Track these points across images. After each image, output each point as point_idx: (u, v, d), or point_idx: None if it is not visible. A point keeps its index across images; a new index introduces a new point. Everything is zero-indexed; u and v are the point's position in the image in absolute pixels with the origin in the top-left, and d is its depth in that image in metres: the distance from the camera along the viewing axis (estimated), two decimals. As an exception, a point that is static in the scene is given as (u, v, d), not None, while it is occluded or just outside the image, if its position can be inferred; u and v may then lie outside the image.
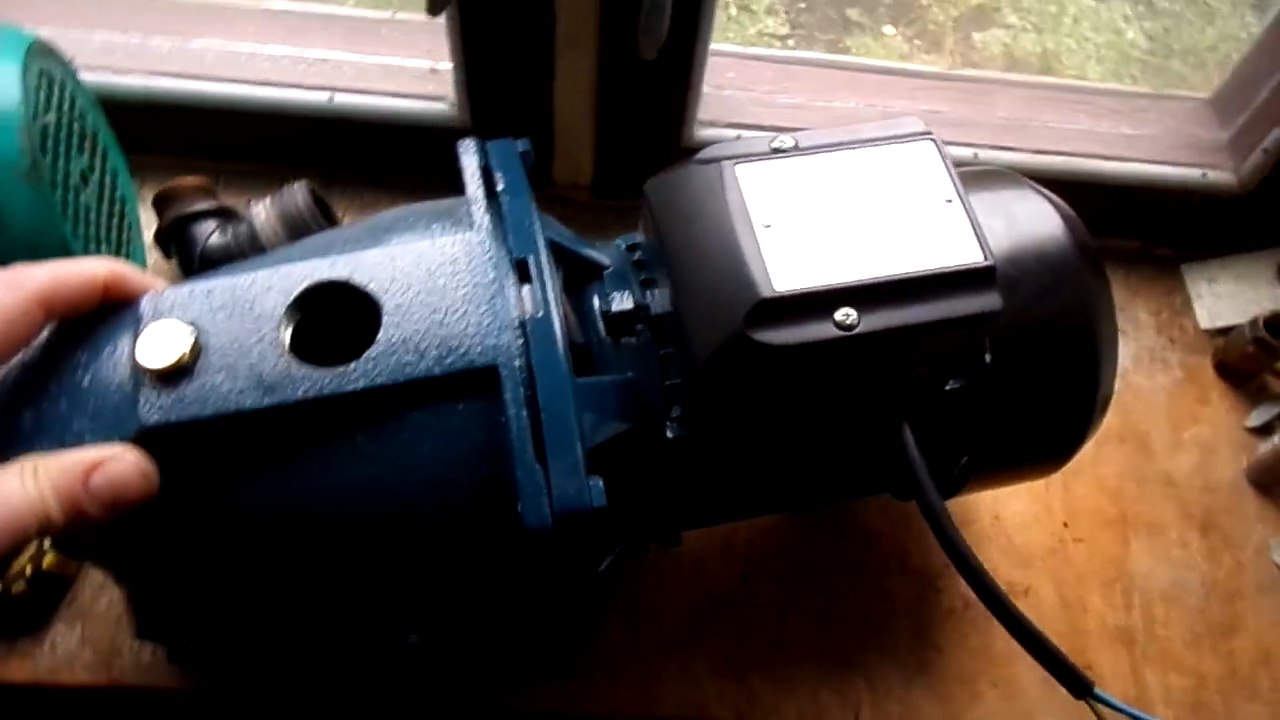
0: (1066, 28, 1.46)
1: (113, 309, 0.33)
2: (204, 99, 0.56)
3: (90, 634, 0.45)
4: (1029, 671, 0.49)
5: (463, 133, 0.56)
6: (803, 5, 1.44)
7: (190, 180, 0.53)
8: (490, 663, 0.44)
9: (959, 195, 0.35)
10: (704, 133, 0.56)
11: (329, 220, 0.53)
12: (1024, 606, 0.37)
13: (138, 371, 0.31)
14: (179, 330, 0.31)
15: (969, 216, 0.34)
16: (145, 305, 0.32)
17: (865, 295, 0.32)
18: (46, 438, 0.30)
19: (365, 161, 0.59)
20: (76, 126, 0.45)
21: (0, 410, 0.31)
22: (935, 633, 0.49)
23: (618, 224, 0.60)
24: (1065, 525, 0.53)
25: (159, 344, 0.31)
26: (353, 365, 0.31)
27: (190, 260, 0.52)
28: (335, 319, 0.34)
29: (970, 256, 0.33)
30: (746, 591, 0.50)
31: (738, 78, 0.58)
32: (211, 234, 0.51)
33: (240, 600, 0.35)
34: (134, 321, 0.32)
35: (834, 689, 0.47)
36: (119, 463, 0.29)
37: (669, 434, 0.36)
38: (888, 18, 1.45)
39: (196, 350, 0.31)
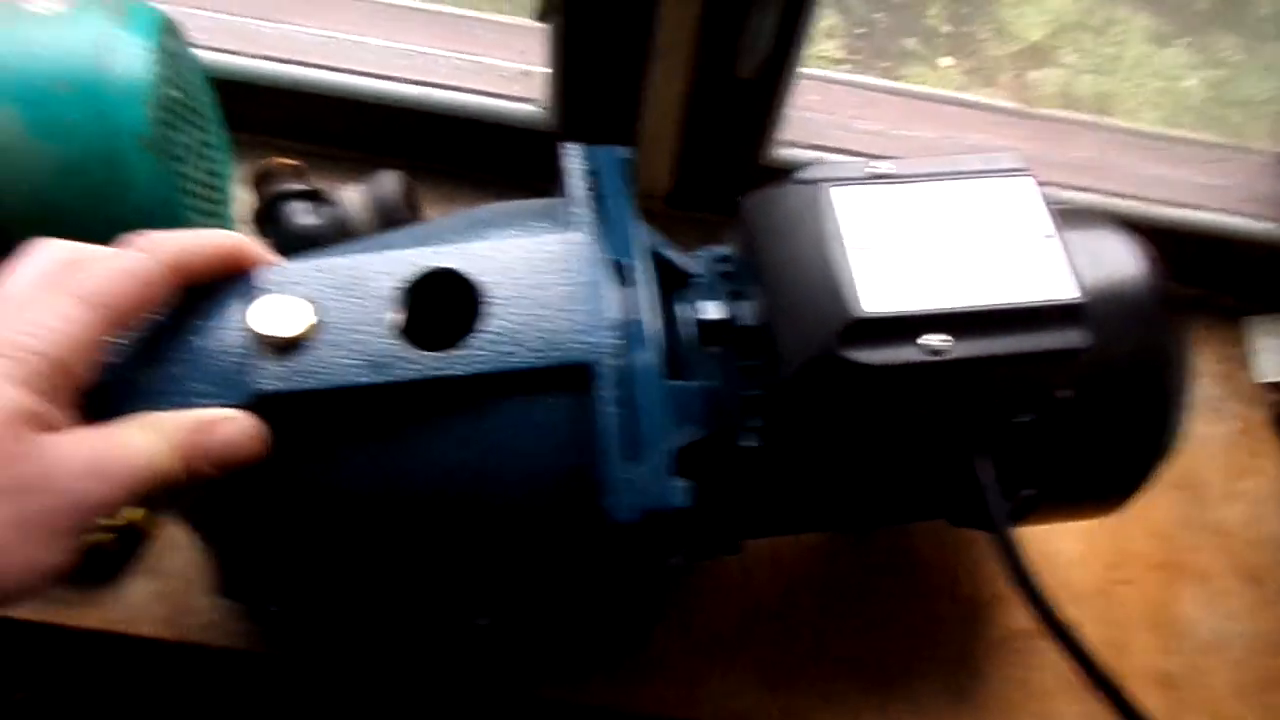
0: (1124, 71, 1.45)
1: (233, 279, 0.34)
2: (302, 83, 0.58)
3: (162, 590, 0.47)
4: (1069, 706, 0.49)
5: (549, 135, 0.58)
6: (861, 30, 1.45)
7: (286, 160, 0.55)
8: (549, 652, 0.45)
9: (1056, 231, 0.35)
10: (784, 152, 0.57)
11: (417, 210, 0.54)
12: (1071, 644, 0.37)
13: (254, 340, 0.32)
14: (296, 304, 0.33)
15: (1065, 253, 0.35)
16: (265, 279, 0.34)
17: (957, 322, 0.33)
18: (166, 397, 0.32)
19: (450, 156, 0.60)
20: (190, 102, 0.46)
21: (126, 367, 0.32)
22: (979, 661, 0.50)
23: (690, 235, 0.61)
24: (1114, 566, 0.54)
25: (276, 316, 0.32)
26: (456, 351, 0.33)
27: (281, 238, 0.53)
28: (435, 304, 0.35)
29: (1064, 292, 0.34)
30: (793, 604, 0.50)
31: (821, 101, 0.59)
32: (304, 214, 0.53)
33: (326, 568, 0.36)
34: (251, 292, 0.34)
35: (875, 708, 0.48)
36: (232, 423, 0.31)
37: (746, 444, 0.37)
38: (945, 49, 1.45)
39: (312, 325, 0.33)
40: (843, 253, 0.34)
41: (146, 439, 0.29)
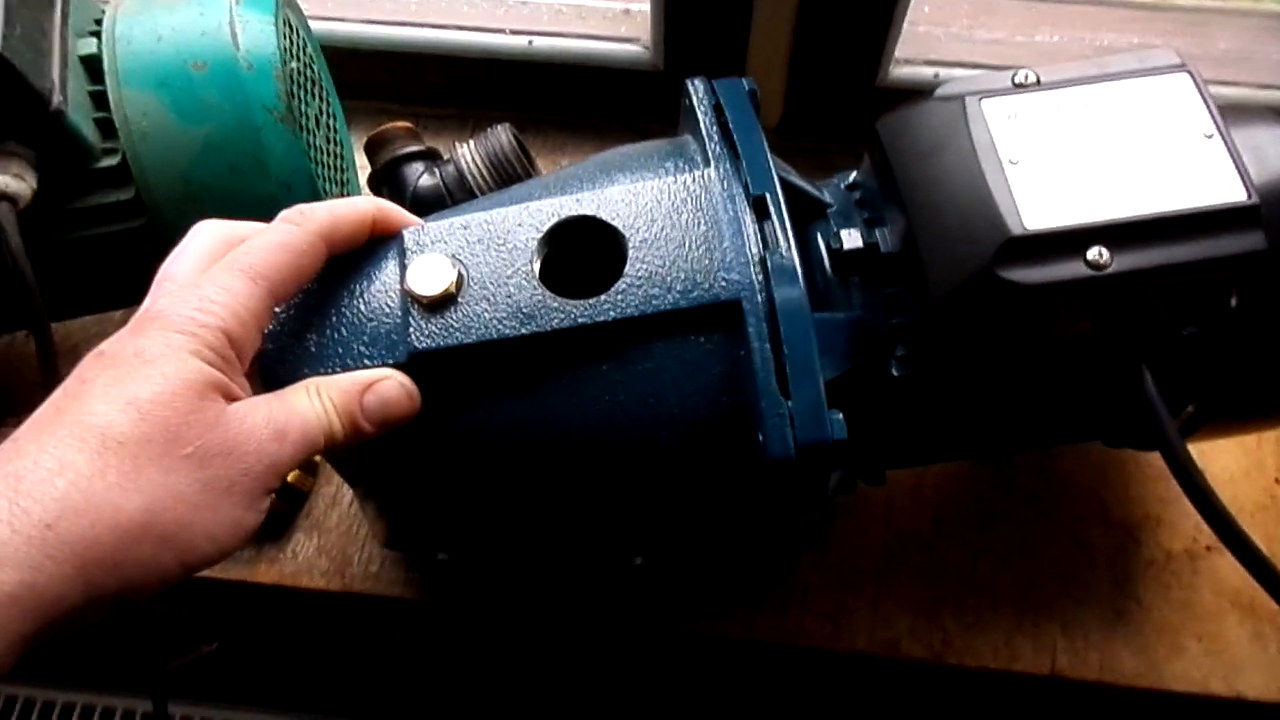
0: None
1: (377, 242, 0.35)
2: (405, 44, 0.59)
3: (324, 544, 0.49)
4: (1237, 627, 0.47)
5: (655, 75, 0.57)
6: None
7: (400, 124, 0.55)
8: (701, 589, 0.46)
9: (1219, 130, 0.33)
10: (901, 71, 0.55)
11: (530, 161, 0.54)
12: (1235, 563, 0.36)
13: (408, 300, 0.33)
14: (443, 262, 0.33)
15: (1230, 152, 0.33)
16: (409, 239, 0.35)
17: (1119, 234, 0.31)
18: (331, 360, 0.33)
19: (557, 104, 0.60)
20: (309, 72, 0.47)
21: (292, 334, 0.33)
22: (1135, 585, 0.49)
23: (803, 165, 0.59)
24: (1277, 481, 0.51)
25: (426, 275, 0.33)
26: (603, 297, 0.33)
27: (402, 200, 0.54)
28: (577, 252, 0.35)
29: (1233, 194, 0.32)
30: (938, 534, 0.50)
31: (934, 12, 0.56)
32: (421, 175, 0.54)
33: (484, 515, 0.37)
34: (398, 254, 0.35)
35: (1029, 635, 0.47)
36: (388, 383, 0.32)
37: (894, 372, 0.36)
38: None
39: (460, 281, 0.33)
40: (995, 168, 0.32)
41: (315, 403, 0.31)
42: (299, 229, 0.32)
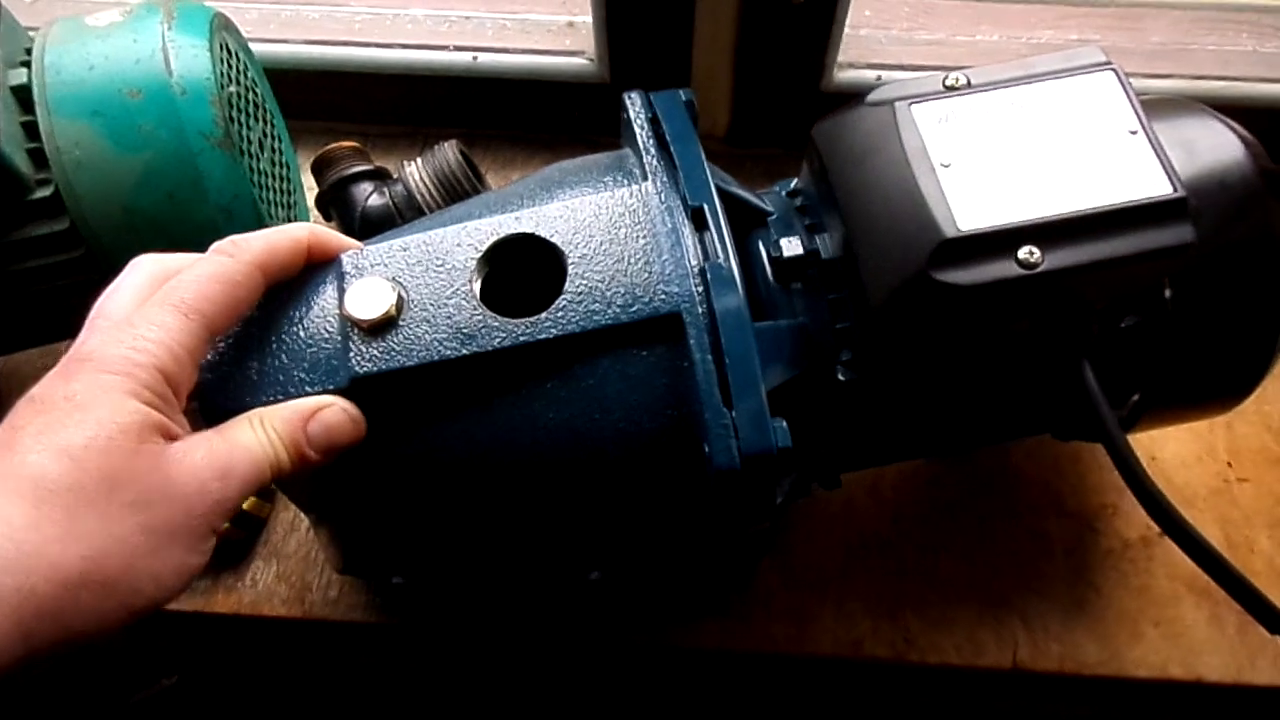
0: None
1: (316, 268, 0.35)
2: (349, 63, 0.58)
3: (284, 571, 0.49)
4: (1194, 611, 0.48)
5: (601, 88, 0.57)
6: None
7: (346, 144, 0.55)
8: (659, 600, 0.46)
9: (1143, 126, 0.34)
10: (844, 75, 0.55)
11: (478, 178, 0.54)
12: (1192, 548, 0.36)
13: (348, 324, 0.33)
14: (382, 285, 0.33)
15: (1154, 147, 0.33)
16: (348, 263, 0.34)
17: (1050, 232, 0.32)
18: (273, 388, 0.33)
19: (505, 119, 0.60)
20: (251, 95, 0.47)
21: (232, 363, 0.33)
22: (1093, 573, 0.49)
23: (754, 172, 0.60)
24: (1229, 465, 0.52)
25: (365, 299, 0.33)
26: (543, 315, 0.33)
27: (350, 221, 0.54)
28: (519, 271, 0.35)
29: (1159, 188, 0.32)
30: (897, 532, 0.50)
31: (874, 15, 0.57)
32: (370, 195, 0.54)
33: (437, 537, 0.37)
34: (337, 278, 0.34)
35: (991, 628, 0.48)
36: (331, 410, 0.32)
37: (840, 377, 0.36)
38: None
39: (400, 304, 0.33)
40: (927, 171, 0.32)
41: (259, 434, 0.31)
42: (233, 260, 0.32)
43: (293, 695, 0.58)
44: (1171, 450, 0.52)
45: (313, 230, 0.35)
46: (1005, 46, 0.56)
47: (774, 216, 0.39)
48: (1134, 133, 0.33)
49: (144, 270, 0.32)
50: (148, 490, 0.27)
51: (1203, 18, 0.57)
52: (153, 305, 0.30)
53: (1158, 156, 0.33)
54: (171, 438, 0.29)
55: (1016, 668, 0.47)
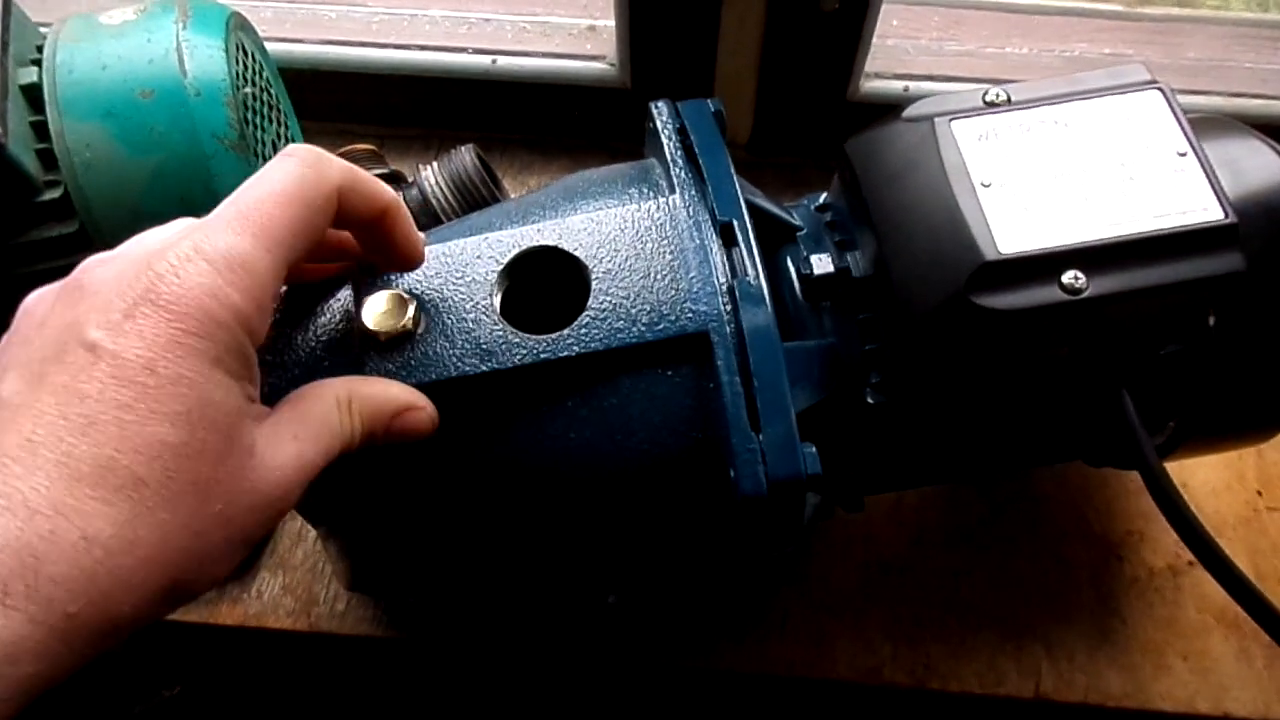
0: None
1: (334, 281, 0.34)
2: (367, 64, 0.57)
3: (290, 583, 0.48)
4: (1222, 644, 0.47)
5: (621, 93, 0.56)
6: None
7: (362, 146, 0.54)
8: (676, 623, 0.44)
9: (1193, 147, 0.32)
10: (870, 85, 0.54)
11: (495, 183, 0.53)
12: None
13: (364, 337, 0.32)
14: (399, 298, 0.32)
15: (1205, 170, 0.32)
16: (364, 273, 0.33)
17: (1096, 257, 0.30)
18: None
19: (523, 123, 0.59)
20: (265, 96, 0.46)
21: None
22: (1119, 602, 0.48)
23: (776, 182, 0.59)
24: (1259, 494, 0.50)
25: (381, 311, 0.32)
26: (566, 331, 0.32)
27: (365, 225, 0.53)
28: (539, 282, 0.34)
29: (1210, 213, 0.31)
30: (918, 556, 0.49)
31: (902, 25, 0.56)
32: (384, 199, 0.53)
33: (451, 556, 0.36)
34: (353, 287, 0.33)
35: (1013, 657, 0.46)
36: (419, 415, 0.30)
37: (869, 400, 0.35)
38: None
39: (418, 317, 0.32)
40: (967, 190, 0.31)
41: (343, 420, 0.28)
42: (317, 179, 0.26)
43: (297, 709, 0.57)
44: (1201, 477, 0.51)
45: (396, 198, 0.30)
46: (1037, 60, 0.55)
47: (803, 232, 0.37)
48: (1183, 154, 0.32)
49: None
50: (236, 498, 0.25)
51: (1240, 34, 0.56)
52: (227, 227, 0.25)
53: (1209, 179, 0.32)
54: (256, 416, 0.26)
55: (1039, 698, 0.46)
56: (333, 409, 0.28)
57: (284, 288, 0.31)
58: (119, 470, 0.22)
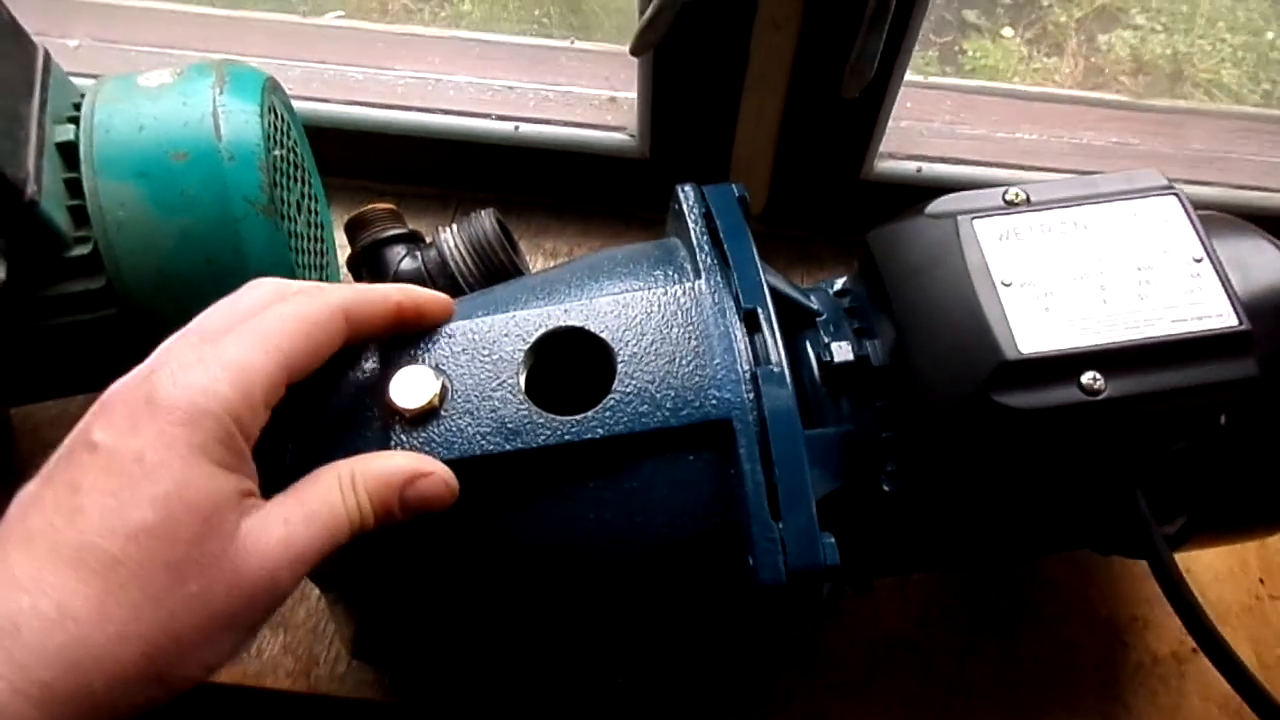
0: (1199, 28, 1.38)
1: (355, 351, 0.34)
2: (391, 126, 0.58)
3: (290, 642, 0.47)
4: (1225, 737, 0.47)
5: (640, 163, 0.57)
6: (919, 4, 1.39)
7: (382, 205, 0.55)
8: (680, 701, 0.44)
9: (1208, 253, 0.33)
10: (883, 165, 0.55)
11: (514, 248, 0.54)
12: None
13: (389, 413, 0.32)
14: (426, 374, 0.32)
15: (1220, 277, 0.33)
16: (389, 347, 0.34)
17: (1114, 359, 0.31)
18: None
19: (542, 188, 0.60)
20: (292, 156, 0.47)
21: (265, 439, 0.32)
22: (1123, 689, 0.48)
23: (787, 254, 0.60)
24: (1262, 582, 0.51)
25: (409, 386, 0.32)
26: (590, 414, 0.32)
27: (382, 283, 0.53)
28: (563, 359, 0.35)
29: (1225, 320, 0.32)
30: (924, 636, 0.49)
31: (916, 108, 0.57)
32: (403, 259, 0.53)
33: (466, 631, 0.36)
34: (379, 361, 0.34)
35: (1016, 742, 0.46)
36: (431, 481, 0.30)
37: (885, 488, 0.35)
38: (1006, 19, 1.40)
39: (443, 394, 0.32)
40: (988, 289, 0.32)
41: (345, 499, 0.28)
42: (318, 301, 0.30)
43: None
44: (1204, 563, 0.51)
45: (404, 289, 0.33)
46: (1046, 145, 0.56)
47: (823, 317, 0.38)
48: (1198, 260, 0.33)
49: (257, 293, 0.30)
50: (214, 581, 0.25)
51: (1243, 127, 0.57)
52: (230, 338, 0.28)
53: (1223, 285, 0.33)
54: (246, 494, 0.27)
55: (1043, 786, 0.46)
56: (333, 489, 0.29)
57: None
58: (97, 552, 0.24)
